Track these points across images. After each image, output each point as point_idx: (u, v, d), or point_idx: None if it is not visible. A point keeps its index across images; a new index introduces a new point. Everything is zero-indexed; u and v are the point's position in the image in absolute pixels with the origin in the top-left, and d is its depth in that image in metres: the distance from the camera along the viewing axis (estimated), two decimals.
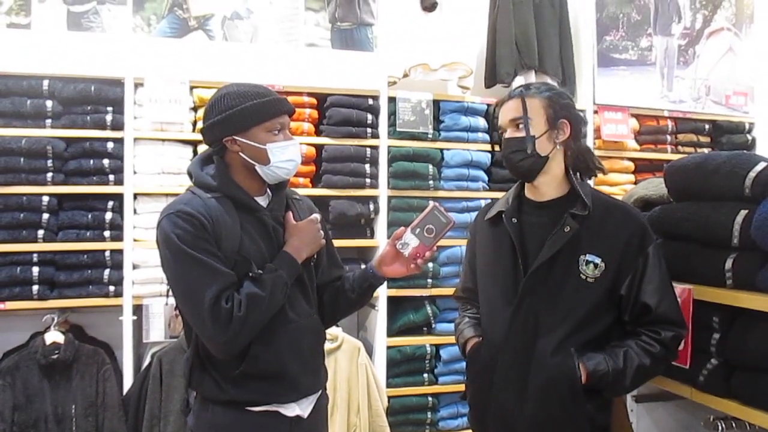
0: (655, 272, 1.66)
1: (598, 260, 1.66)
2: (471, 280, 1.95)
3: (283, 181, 1.76)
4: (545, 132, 1.72)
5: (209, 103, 1.69)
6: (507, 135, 1.76)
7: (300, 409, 1.71)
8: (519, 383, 1.68)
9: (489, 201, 3.39)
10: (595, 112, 3.67)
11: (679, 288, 1.83)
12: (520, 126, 1.72)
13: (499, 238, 1.80)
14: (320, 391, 1.80)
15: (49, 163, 2.86)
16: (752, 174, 1.75)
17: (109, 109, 2.95)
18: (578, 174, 1.79)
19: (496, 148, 3.13)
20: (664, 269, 1.69)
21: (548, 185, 1.76)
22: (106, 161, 2.92)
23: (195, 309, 1.56)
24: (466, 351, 1.89)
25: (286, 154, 1.69)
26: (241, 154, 1.67)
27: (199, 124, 3.03)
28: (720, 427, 1.88)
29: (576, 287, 1.66)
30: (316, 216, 1.79)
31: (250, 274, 1.60)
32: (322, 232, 1.77)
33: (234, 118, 1.64)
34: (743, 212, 1.74)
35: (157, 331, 2.94)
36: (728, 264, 1.77)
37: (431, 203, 1.77)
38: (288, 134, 1.72)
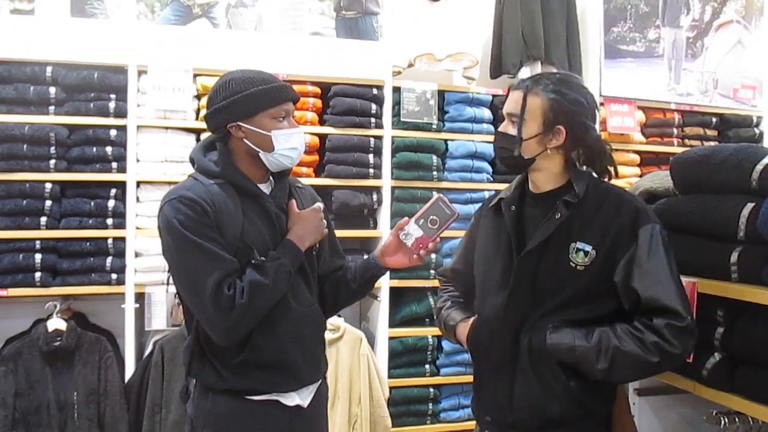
0: (644, 256, 1.58)
1: (588, 248, 1.62)
2: (462, 262, 1.94)
3: (286, 169, 1.75)
4: (537, 135, 1.65)
5: (213, 89, 1.68)
6: (500, 127, 1.74)
7: (300, 398, 1.71)
8: (509, 369, 1.68)
9: (493, 192, 3.38)
10: (602, 104, 3.63)
11: (683, 281, 1.81)
12: (514, 121, 1.68)
13: (498, 226, 1.78)
14: (320, 381, 1.80)
15: (52, 150, 2.85)
16: (759, 167, 1.73)
17: (113, 96, 2.93)
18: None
19: None
20: (660, 254, 1.59)
21: (544, 179, 1.73)
22: (109, 149, 2.91)
23: (197, 295, 1.55)
24: (456, 333, 1.87)
25: (290, 142, 1.67)
26: (245, 140, 1.66)
27: (203, 112, 3.02)
28: (723, 422, 1.88)
29: (565, 274, 1.63)
30: (320, 205, 1.78)
31: (253, 262, 1.59)
32: (325, 221, 1.77)
33: (239, 103, 1.63)
34: (750, 205, 1.73)
35: (159, 320, 2.94)
36: (734, 257, 1.75)
37: (436, 195, 1.76)
38: (293, 121, 1.71)
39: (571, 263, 1.63)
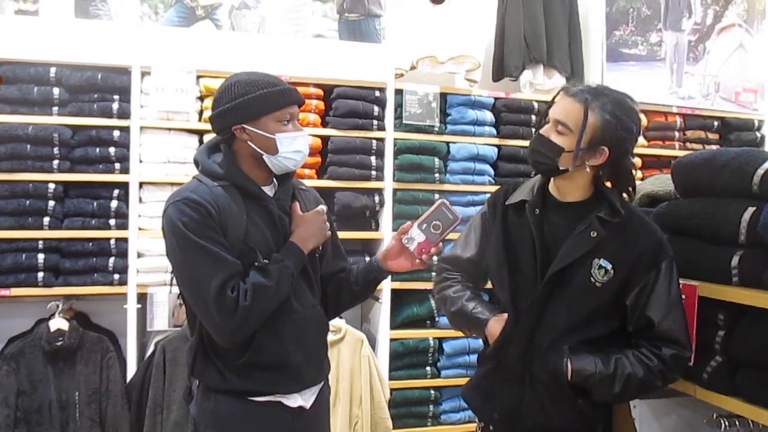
0: (663, 288, 1.65)
1: (609, 266, 1.65)
2: (477, 253, 1.87)
3: (290, 171, 1.76)
4: (580, 149, 1.64)
5: (219, 91, 1.68)
6: (543, 130, 1.70)
7: (302, 399, 1.72)
8: (521, 375, 1.70)
9: None
10: None
11: (684, 284, 1.82)
12: (561, 130, 1.65)
13: (520, 231, 1.77)
14: (323, 382, 1.81)
15: (56, 150, 2.86)
16: (760, 171, 1.73)
17: (116, 97, 2.94)
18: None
19: (503, 142, 3.11)
20: (675, 288, 1.67)
21: (569, 188, 1.74)
22: (112, 149, 2.92)
23: (200, 297, 1.56)
24: (487, 328, 1.78)
25: (294, 145, 1.68)
26: (249, 143, 1.66)
27: (206, 114, 3.03)
28: (723, 425, 1.87)
29: (585, 289, 1.66)
30: (323, 207, 1.79)
31: (256, 264, 1.60)
32: (328, 223, 1.77)
33: (244, 106, 1.63)
34: (751, 209, 1.73)
35: (161, 320, 2.95)
36: (735, 261, 1.76)
37: (439, 199, 1.77)
38: (297, 125, 1.71)
39: (591, 278, 1.66)
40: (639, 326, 1.67)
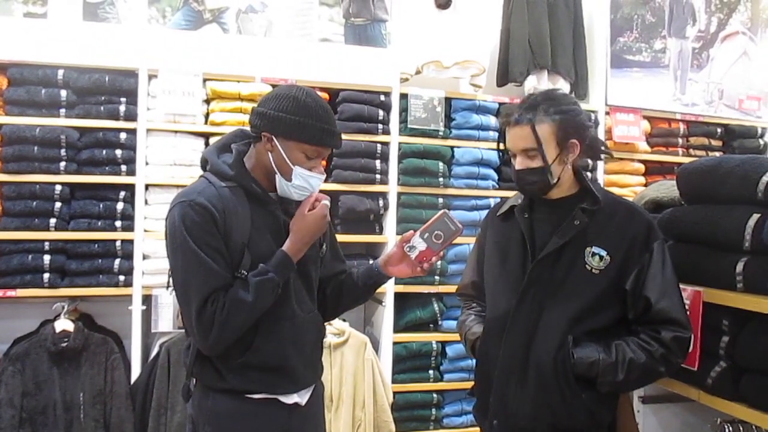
0: (657, 268, 1.68)
1: (603, 253, 1.69)
2: (478, 274, 1.96)
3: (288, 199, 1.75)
4: (556, 157, 1.72)
5: (275, 93, 1.67)
6: (518, 165, 1.75)
7: (298, 396, 1.74)
8: (520, 372, 1.72)
9: (498, 200, 3.41)
10: (607, 113, 3.66)
11: (689, 290, 1.83)
12: (532, 155, 1.72)
13: (510, 233, 1.83)
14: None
15: (63, 152, 2.87)
16: (765, 178, 1.74)
17: (123, 99, 2.96)
18: (588, 163, 1.83)
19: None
20: (669, 268, 1.70)
21: (558, 189, 1.78)
22: (118, 152, 2.94)
23: (186, 306, 1.60)
24: (475, 349, 1.90)
25: (309, 183, 1.68)
26: (270, 153, 1.66)
27: (213, 117, 3.05)
28: (727, 430, 1.89)
29: (581, 278, 1.70)
30: (326, 203, 1.73)
31: (238, 275, 1.61)
32: (328, 217, 1.74)
33: (284, 122, 1.62)
34: (755, 216, 1.74)
35: (165, 322, 2.96)
36: (739, 267, 1.77)
37: (441, 210, 1.80)
38: (320, 166, 1.70)
39: (587, 266, 1.70)
40: (638, 310, 1.69)
